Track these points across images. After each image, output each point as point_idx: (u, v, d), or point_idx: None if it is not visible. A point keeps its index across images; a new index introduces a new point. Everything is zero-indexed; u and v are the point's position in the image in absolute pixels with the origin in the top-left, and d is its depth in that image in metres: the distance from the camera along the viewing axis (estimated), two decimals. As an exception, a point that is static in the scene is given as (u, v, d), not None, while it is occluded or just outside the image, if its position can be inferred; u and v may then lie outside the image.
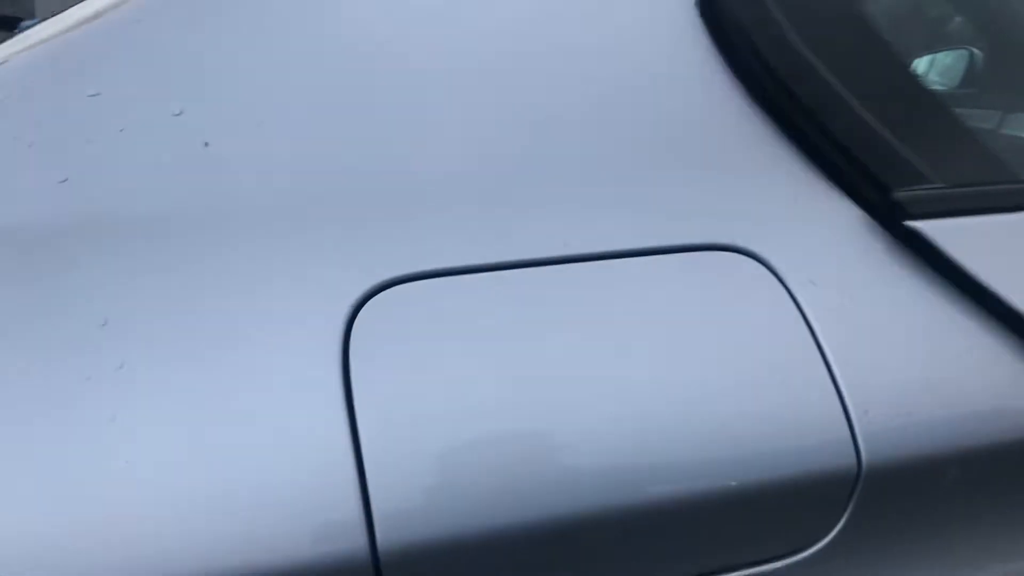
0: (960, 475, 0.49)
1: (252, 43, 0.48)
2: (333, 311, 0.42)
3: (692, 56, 0.52)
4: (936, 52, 2.74)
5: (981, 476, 0.50)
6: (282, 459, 0.39)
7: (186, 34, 0.48)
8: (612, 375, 0.44)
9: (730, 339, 0.45)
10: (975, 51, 2.42)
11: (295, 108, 0.46)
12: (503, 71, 0.49)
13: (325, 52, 0.48)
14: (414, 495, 0.40)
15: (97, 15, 0.50)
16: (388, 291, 0.43)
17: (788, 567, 0.46)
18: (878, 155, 0.54)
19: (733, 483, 0.43)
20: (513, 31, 0.50)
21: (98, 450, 0.38)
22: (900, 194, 0.52)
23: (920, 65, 2.85)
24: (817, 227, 0.50)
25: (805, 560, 0.46)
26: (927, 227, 0.51)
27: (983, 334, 0.50)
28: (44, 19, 0.68)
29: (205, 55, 0.48)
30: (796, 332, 0.46)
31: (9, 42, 0.56)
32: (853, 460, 0.45)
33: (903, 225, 0.52)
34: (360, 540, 0.38)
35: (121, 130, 0.45)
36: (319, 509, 0.39)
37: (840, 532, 0.46)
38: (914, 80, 0.69)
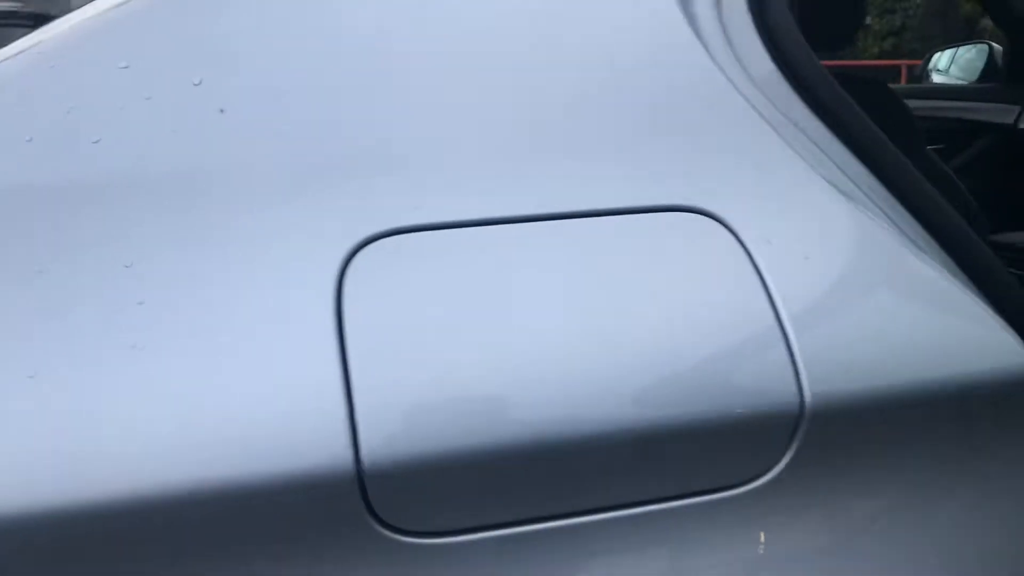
0: (905, 417, 0.53)
1: (264, 21, 0.53)
2: (330, 256, 0.47)
3: (669, 36, 0.56)
4: (955, 46, 2.73)
5: (926, 417, 0.54)
6: (278, 383, 0.44)
7: (207, 14, 0.54)
8: (579, 316, 0.48)
9: (686, 289, 0.50)
10: (994, 45, 2.41)
11: (300, 80, 0.52)
12: (499, 39, 0.54)
13: (329, 30, 0.53)
14: (398, 416, 0.45)
15: (125, 2, 0.56)
16: (382, 240, 0.48)
17: (730, 499, 0.50)
18: None
19: (679, 417, 0.48)
20: (510, 4, 0.56)
21: (120, 371, 0.44)
22: None
23: (941, 59, 2.85)
24: (776, 190, 0.54)
25: (747, 493, 0.50)
26: None
27: (935, 283, 0.54)
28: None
29: (223, 32, 0.53)
30: (749, 285, 0.50)
31: (44, 28, 0.62)
32: (796, 401, 0.49)
33: None
34: (346, 456, 0.44)
35: (148, 98, 0.51)
36: (310, 428, 0.44)
37: (783, 469, 0.50)
38: None
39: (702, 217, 0.51)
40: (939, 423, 0.54)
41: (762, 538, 0.52)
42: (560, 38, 0.55)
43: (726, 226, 0.51)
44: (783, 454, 0.50)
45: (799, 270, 0.52)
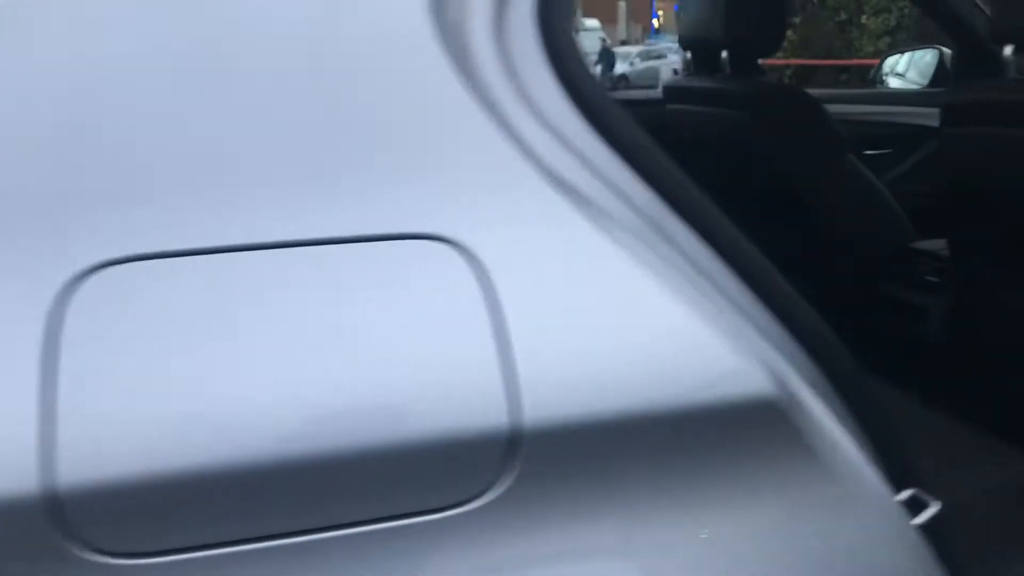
0: (633, 443, 0.54)
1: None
2: (45, 284, 0.48)
3: (412, 55, 0.55)
4: (911, 49, 2.72)
5: (656, 444, 0.54)
6: None
7: None
8: (300, 343, 0.49)
9: (417, 314, 0.50)
10: (944, 50, 2.41)
11: (22, 116, 0.52)
12: (222, 65, 0.53)
13: (48, 68, 0.54)
14: (104, 439, 0.46)
15: None
16: (105, 269, 0.49)
17: (445, 520, 0.50)
18: None
19: (398, 440, 0.49)
20: (235, 26, 0.55)
21: None
22: None
23: (900, 63, 2.84)
24: (523, 218, 0.55)
25: (464, 515, 0.50)
26: None
27: (679, 312, 0.54)
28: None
29: None
30: (480, 311, 0.51)
31: None
32: (515, 424, 0.49)
33: None
34: (40, 481, 0.45)
35: None
36: (5, 452, 0.45)
37: (503, 492, 0.50)
38: None
39: (440, 244, 0.52)
40: (670, 450, 0.54)
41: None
42: (298, 60, 0.55)
43: (464, 252, 0.52)
44: (502, 477, 0.50)
45: (535, 297, 0.52)
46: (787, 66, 11.34)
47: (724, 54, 1.74)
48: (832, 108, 2.48)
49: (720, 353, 0.54)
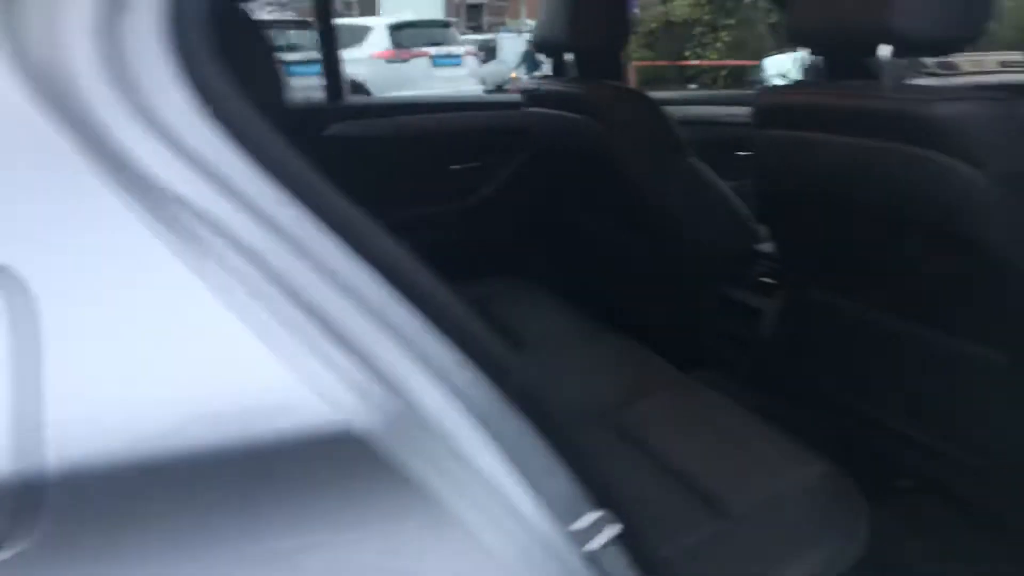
0: (184, 484, 0.50)
1: None
2: None
3: None
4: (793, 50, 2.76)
5: (216, 486, 0.51)
6: None
7: None
8: None
9: None
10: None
11: None
12: None
13: None
14: None
15: None
16: None
17: None
18: None
19: None
20: None
21: None
22: None
23: (785, 63, 2.88)
24: (87, 244, 0.50)
25: None
26: None
27: (247, 343, 0.51)
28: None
29: None
30: (11, 343, 0.47)
31: None
32: (23, 475, 0.46)
33: None
34: None
35: None
36: None
37: (34, 543, 0.47)
38: None
39: None
40: (241, 490, 0.50)
41: None
42: None
43: (7, 278, 0.47)
44: (25, 528, 0.46)
45: (88, 330, 0.48)
46: (723, 67, 11.51)
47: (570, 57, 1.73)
48: (712, 110, 2.50)
49: (289, 384, 0.50)
